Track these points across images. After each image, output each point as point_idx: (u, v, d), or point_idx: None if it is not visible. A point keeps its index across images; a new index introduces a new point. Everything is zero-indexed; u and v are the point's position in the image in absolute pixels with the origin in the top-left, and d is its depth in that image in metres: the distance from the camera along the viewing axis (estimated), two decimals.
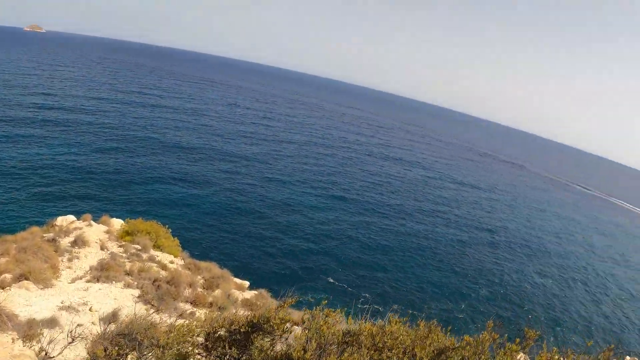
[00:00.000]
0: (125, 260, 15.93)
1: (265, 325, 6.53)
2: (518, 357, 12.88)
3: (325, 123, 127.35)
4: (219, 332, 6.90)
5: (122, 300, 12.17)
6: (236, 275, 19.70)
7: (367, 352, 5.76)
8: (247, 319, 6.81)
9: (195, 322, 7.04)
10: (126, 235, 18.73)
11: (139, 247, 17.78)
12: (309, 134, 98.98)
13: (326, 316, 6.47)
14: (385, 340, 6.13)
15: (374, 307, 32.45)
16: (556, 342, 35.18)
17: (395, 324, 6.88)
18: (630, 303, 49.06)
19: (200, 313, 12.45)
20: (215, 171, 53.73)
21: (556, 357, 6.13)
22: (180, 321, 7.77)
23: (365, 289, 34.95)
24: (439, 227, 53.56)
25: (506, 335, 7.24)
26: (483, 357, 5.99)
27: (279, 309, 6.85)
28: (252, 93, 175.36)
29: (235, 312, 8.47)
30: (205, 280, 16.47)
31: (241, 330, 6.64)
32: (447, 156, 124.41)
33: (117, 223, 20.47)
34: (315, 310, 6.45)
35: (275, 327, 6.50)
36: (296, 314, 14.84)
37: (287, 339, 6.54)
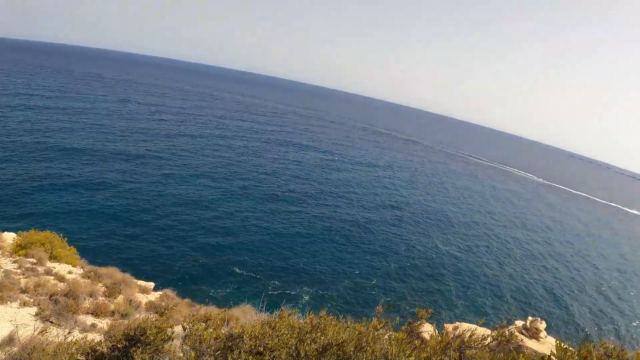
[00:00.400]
0: (21, 276, 14.98)
1: (142, 338, 6.20)
2: (423, 328, 14.09)
3: (220, 113, 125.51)
4: (99, 350, 6.49)
5: (20, 320, 11.63)
6: (140, 277, 19.58)
7: (247, 358, 5.55)
8: (124, 331, 6.43)
9: (74, 344, 6.61)
10: (20, 249, 17.90)
11: (34, 260, 16.96)
12: (204, 126, 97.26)
13: (207, 320, 6.49)
14: (267, 342, 5.92)
15: (285, 292, 33.26)
16: (467, 306, 37.97)
17: (288, 316, 6.91)
18: (532, 261, 53.74)
19: (103, 324, 12.22)
20: (110, 172, 51.57)
21: (459, 324, 6.77)
22: (72, 338, 7.50)
23: (276, 276, 35.46)
24: (343, 208, 55.08)
25: (397, 318, 8.07)
26: (369, 349, 5.90)
27: (161, 317, 6.79)
28: (144, 87, 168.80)
29: (139, 317, 8.45)
30: (106, 287, 15.99)
31: (118, 345, 6.26)
32: (343, 137, 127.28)
33: (9, 237, 19.42)
34: (199, 310, 6.42)
35: (153, 339, 6.18)
36: (204, 310, 15.20)
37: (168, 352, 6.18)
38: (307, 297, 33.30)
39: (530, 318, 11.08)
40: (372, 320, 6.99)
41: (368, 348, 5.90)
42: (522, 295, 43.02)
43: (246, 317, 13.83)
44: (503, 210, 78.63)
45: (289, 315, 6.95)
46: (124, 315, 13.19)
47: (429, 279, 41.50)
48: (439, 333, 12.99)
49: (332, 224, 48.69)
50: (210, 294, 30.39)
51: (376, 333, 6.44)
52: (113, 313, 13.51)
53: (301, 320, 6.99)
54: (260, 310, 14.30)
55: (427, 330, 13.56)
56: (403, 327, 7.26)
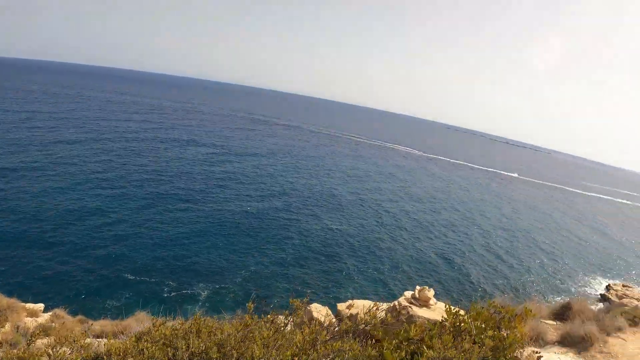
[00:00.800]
0: None
1: None
2: (308, 308, 13.73)
3: (94, 115, 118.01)
4: None
5: None
6: (28, 300, 17.98)
7: None
8: None
9: None
10: None
11: None
12: (77, 129, 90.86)
13: (73, 341, 5.87)
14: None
15: (182, 292, 32.00)
16: (365, 282, 38.57)
17: (160, 325, 6.27)
18: (422, 230, 55.90)
19: None
20: None
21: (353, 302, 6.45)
22: None
23: (171, 277, 33.59)
24: (231, 200, 53.73)
25: (272, 310, 7.62)
26: (234, 352, 5.55)
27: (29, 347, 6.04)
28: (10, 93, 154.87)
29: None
30: None
31: None
32: (223, 128, 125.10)
33: None
34: (91, 326, 5.86)
35: None
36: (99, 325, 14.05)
37: None
38: (205, 293, 32.27)
39: (418, 287, 11.15)
40: (244, 317, 6.49)
41: (233, 352, 5.48)
42: (417, 264, 44.53)
43: (142, 325, 13.03)
44: (390, 185, 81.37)
45: (162, 324, 6.27)
46: (12, 345, 11.79)
47: (326, 259, 41.71)
48: (333, 315, 12.84)
49: (222, 217, 47.55)
50: (106, 305, 28.50)
51: (246, 332, 6.02)
52: (1, 344, 12.22)
53: (186, 324, 6.33)
54: (158, 315, 13.54)
55: (320, 314, 13.34)
56: (267, 325, 6.79)
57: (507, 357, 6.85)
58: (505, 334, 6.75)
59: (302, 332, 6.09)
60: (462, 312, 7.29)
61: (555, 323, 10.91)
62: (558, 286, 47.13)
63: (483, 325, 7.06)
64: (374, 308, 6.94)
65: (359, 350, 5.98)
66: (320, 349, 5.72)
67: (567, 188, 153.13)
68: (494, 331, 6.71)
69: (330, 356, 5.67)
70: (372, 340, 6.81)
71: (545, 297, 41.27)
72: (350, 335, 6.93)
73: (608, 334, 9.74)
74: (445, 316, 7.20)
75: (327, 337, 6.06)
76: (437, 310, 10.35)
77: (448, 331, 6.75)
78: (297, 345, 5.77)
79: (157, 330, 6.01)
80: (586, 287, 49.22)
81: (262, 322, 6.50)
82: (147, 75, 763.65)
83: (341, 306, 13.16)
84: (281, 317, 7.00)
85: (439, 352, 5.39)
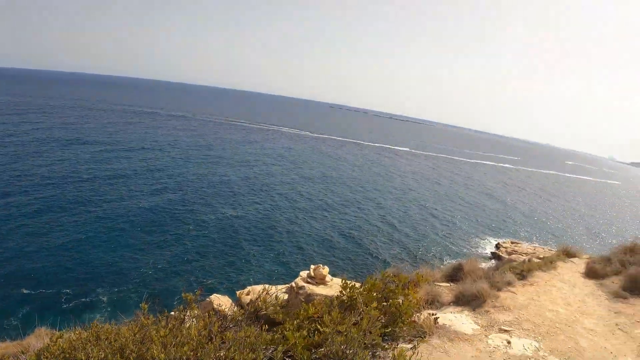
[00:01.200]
0: None
1: None
2: (208, 299, 13.33)
3: None
4: None
5: None
6: None
7: None
8: None
9: None
10: None
11: None
12: None
13: None
14: None
15: (81, 301, 30.25)
16: (267, 266, 38.36)
17: (58, 339, 5.62)
18: (319, 210, 56.32)
19: None
20: None
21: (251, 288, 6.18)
22: None
23: (68, 286, 31.40)
24: (125, 200, 50.66)
25: (165, 310, 7.23)
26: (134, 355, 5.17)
27: None
28: None
29: None
30: None
31: None
32: (107, 123, 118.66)
33: None
34: None
35: None
36: None
37: None
38: (105, 299, 30.62)
39: (312, 266, 11.14)
40: (140, 319, 6.01)
41: (132, 355, 5.12)
42: (316, 243, 45.07)
43: (42, 341, 12.11)
44: (281, 167, 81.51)
45: (59, 337, 5.78)
46: None
47: (226, 247, 41.15)
48: (233, 302, 12.58)
49: (116, 216, 45.17)
50: (4, 326, 26.36)
51: (143, 333, 5.57)
52: None
53: (84, 334, 5.89)
54: (57, 328, 12.76)
55: (222, 303, 13.03)
56: (163, 323, 6.43)
57: (405, 323, 6.95)
58: (400, 301, 6.82)
59: (196, 325, 5.83)
60: (357, 285, 7.29)
61: (449, 285, 11.31)
62: (452, 249, 49.66)
63: (380, 296, 7.13)
64: (264, 292, 6.75)
65: (255, 337, 5.80)
66: (216, 340, 5.49)
67: (455, 157, 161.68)
68: (387, 301, 6.77)
69: (227, 346, 5.46)
70: (265, 325, 6.63)
71: (441, 261, 43.25)
72: (245, 321, 6.71)
73: (499, 289, 10.21)
74: (342, 291, 7.18)
75: (219, 329, 5.82)
76: (334, 287, 10.38)
77: (346, 305, 6.73)
78: (194, 339, 5.52)
79: (55, 344, 5.56)
80: (478, 247, 52.30)
81: (159, 321, 6.19)
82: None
83: (240, 293, 12.93)
84: (173, 313, 6.66)
85: (332, 328, 5.30)
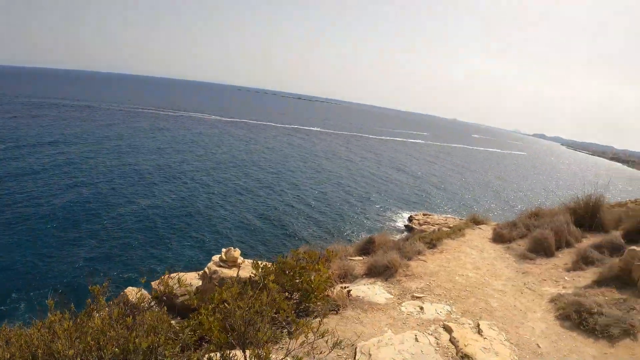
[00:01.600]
0: None
1: None
2: (123, 292, 12.83)
3: None
4: None
5: None
6: None
7: None
8: None
9: None
10: None
11: None
12: None
13: None
14: None
15: None
16: (184, 253, 37.44)
17: None
18: (231, 195, 55.49)
19: None
20: None
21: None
22: None
23: None
24: (32, 200, 47.75)
25: (72, 305, 6.83)
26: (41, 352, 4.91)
27: None
28: None
29: None
30: None
31: None
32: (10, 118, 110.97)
33: None
34: None
35: None
36: None
37: None
38: (23, 305, 28.97)
39: (224, 249, 11.02)
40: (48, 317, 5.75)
41: (39, 351, 4.74)
42: (234, 227, 44.48)
43: None
44: (194, 154, 79.28)
45: None
46: None
47: (146, 239, 39.68)
48: (149, 293, 12.26)
49: (26, 219, 42.20)
50: None
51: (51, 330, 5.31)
52: None
53: None
54: None
55: (136, 295, 12.59)
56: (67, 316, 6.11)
57: (318, 298, 6.98)
58: (312, 278, 6.85)
59: (100, 315, 5.59)
60: (269, 265, 7.26)
61: (362, 258, 11.51)
62: (367, 224, 50.75)
63: (292, 273, 7.14)
64: (166, 277, 6.57)
65: (157, 320, 5.66)
66: (117, 326, 5.31)
67: (365, 135, 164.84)
68: (300, 278, 6.79)
69: (128, 332, 5.29)
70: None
71: (358, 237, 44.00)
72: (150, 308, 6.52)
73: (409, 259, 10.49)
74: (254, 272, 7.13)
75: (120, 315, 5.63)
76: (247, 269, 10.30)
77: (259, 286, 6.68)
78: (96, 329, 5.30)
79: None
80: (392, 221, 53.77)
81: (64, 317, 5.90)
82: None
83: (155, 284, 12.58)
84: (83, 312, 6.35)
85: (233, 304, 5.23)
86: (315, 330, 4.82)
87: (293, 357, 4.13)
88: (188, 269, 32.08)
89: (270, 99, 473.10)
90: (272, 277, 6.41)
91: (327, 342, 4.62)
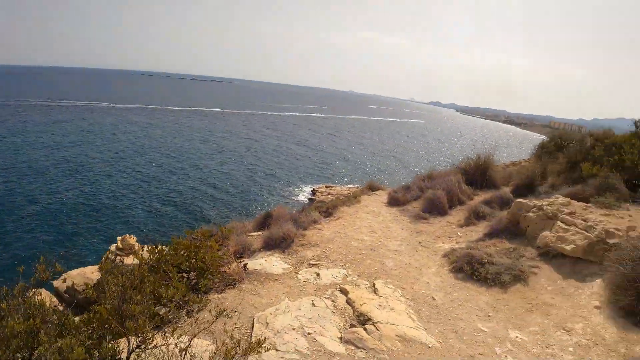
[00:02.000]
0: None
1: None
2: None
3: None
4: None
5: None
6: None
7: None
8: None
9: None
10: None
11: None
12: None
13: None
14: None
15: None
16: (97, 245, 35.97)
17: None
18: (135, 183, 53.51)
19: None
20: None
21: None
22: None
23: None
24: None
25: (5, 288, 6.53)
26: None
27: None
28: None
29: None
30: None
31: None
32: None
33: None
34: None
35: None
36: None
37: None
38: None
39: (119, 238, 10.92)
40: None
41: None
42: (143, 214, 43.27)
43: None
44: (91, 146, 75.47)
45: None
46: None
47: (50, 238, 37.36)
48: (53, 294, 11.95)
49: None
50: None
51: None
52: None
53: None
54: None
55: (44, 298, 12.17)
56: None
57: (214, 275, 7.12)
58: (205, 255, 6.96)
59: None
60: (163, 247, 7.28)
61: (260, 233, 11.72)
62: (272, 200, 50.96)
63: (187, 253, 7.20)
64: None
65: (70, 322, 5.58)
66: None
67: (264, 112, 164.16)
68: (192, 258, 6.87)
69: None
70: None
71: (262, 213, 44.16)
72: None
73: (305, 229, 10.82)
74: (150, 256, 7.13)
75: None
76: (145, 254, 10.26)
77: (156, 269, 6.71)
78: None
79: None
80: (295, 195, 54.36)
81: None
82: None
83: (57, 282, 12.24)
84: None
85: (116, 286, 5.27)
86: (202, 304, 5.00)
87: (180, 332, 4.25)
88: (97, 262, 30.92)
89: (165, 81, 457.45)
90: (168, 257, 6.45)
91: (210, 311, 4.80)
